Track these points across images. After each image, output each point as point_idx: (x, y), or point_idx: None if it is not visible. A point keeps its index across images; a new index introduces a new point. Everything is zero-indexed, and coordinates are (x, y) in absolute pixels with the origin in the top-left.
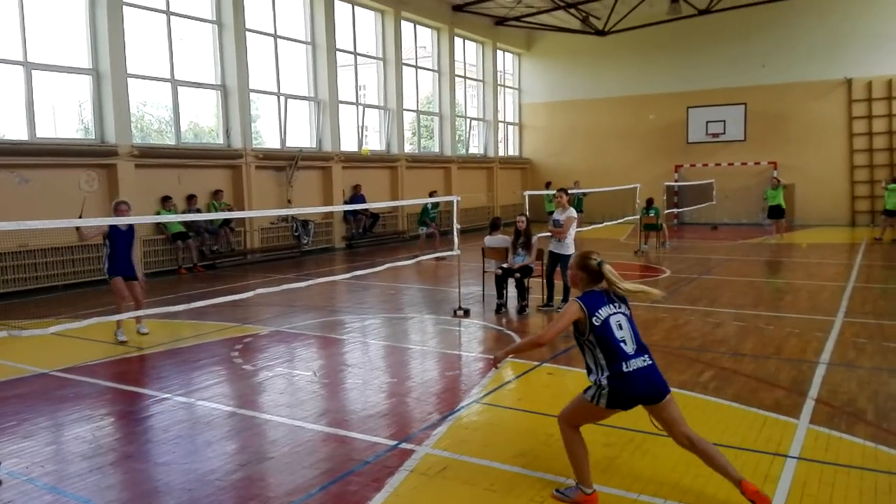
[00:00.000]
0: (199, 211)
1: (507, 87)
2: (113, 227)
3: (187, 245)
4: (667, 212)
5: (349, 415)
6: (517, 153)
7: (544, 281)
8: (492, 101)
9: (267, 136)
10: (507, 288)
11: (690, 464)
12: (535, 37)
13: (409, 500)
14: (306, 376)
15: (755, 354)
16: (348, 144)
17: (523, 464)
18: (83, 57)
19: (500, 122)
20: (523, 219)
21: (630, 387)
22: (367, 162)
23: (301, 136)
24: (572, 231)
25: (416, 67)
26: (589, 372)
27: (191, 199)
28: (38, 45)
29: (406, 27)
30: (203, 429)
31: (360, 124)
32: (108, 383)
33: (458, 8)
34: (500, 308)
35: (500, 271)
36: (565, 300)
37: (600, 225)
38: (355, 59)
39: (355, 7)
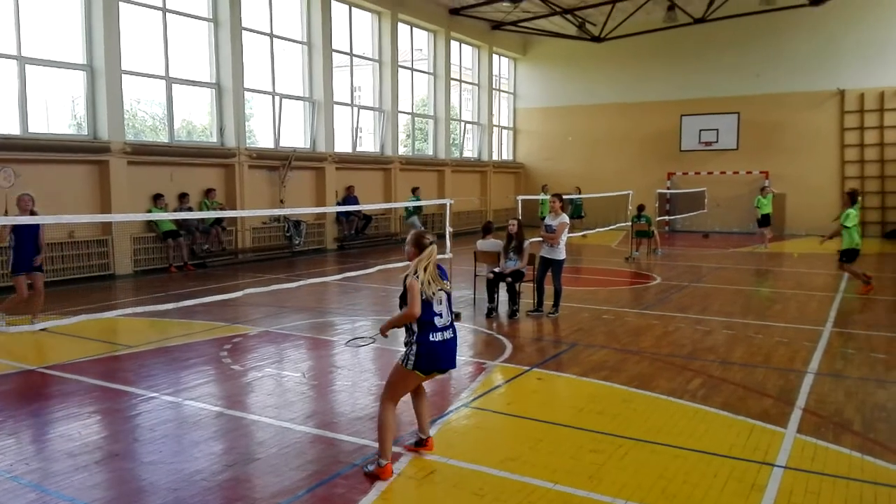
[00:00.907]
0: (190, 209)
1: (503, 91)
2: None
3: (178, 243)
4: (658, 219)
5: (337, 417)
6: (511, 157)
7: (535, 286)
8: (487, 105)
9: (261, 136)
10: (498, 292)
11: (678, 471)
12: (531, 42)
13: None
14: (295, 377)
15: (744, 363)
16: (342, 145)
17: (511, 468)
18: (77, 52)
19: (495, 126)
20: (515, 223)
21: (435, 354)
22: (361, 163)
23: (295, 136)
24: (564, 237)
25: (412, 70)
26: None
27: (183, 197)
28: (33, 40)
29: (402, 29)
30: (190, 428)
31: (355, 125)
32: (95, 381)
33: (454, 11)
34: (491, 312)
35: (491, 275)
36: (556, 305)
37: (591, 231)
38: (351, 60)
39: (352, 8)
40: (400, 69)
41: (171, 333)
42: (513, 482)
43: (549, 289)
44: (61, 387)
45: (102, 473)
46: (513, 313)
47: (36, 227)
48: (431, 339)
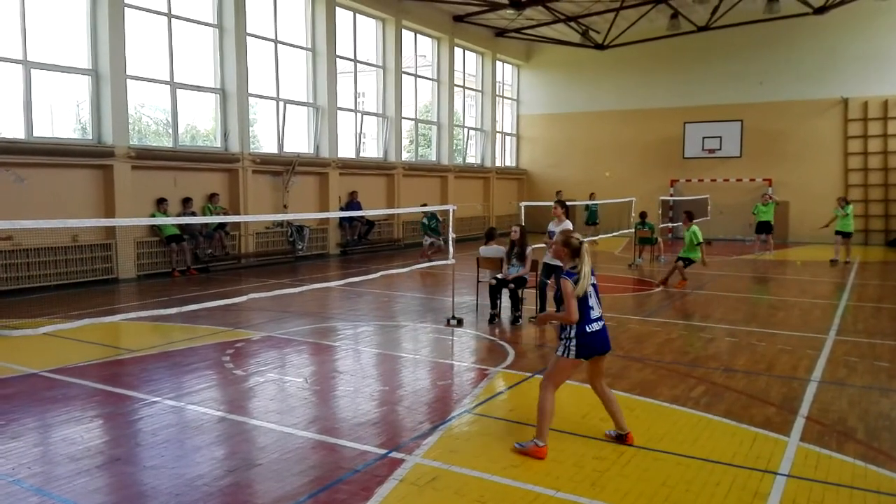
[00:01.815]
0: (194, 214)
1: (506, 97)
2: None
3: (181, 248)
4: (661, 226)
5: (339, 422)
6: (514, 164)
7: (537, 292)
8: (490, 112)
9: (265, 141)
10: (500, 298)
11: (681, 478)
12: (534, 49)
13: None
14: (297, 383)
15: (747, 371)
16: (346, 151)
17: (514, 475)
18: (83, 57)
19: (498, 132)
20: (518, 229)
21: (592, 344)
22: (364, 169)
23: (299, 142)
24: None
25: (416, 76)
26: (561, 329)
27: (186, 201)
28: (38, 45)
29: (407, 36)
30: (192, 433)
31: (358, 131)
32: (97, 385)
33: (458, 18)
34: (494, 318)
35: (494, 281)
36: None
37: (596, 238)
38: (355, 66)
39: (357, 15)
40: (404, 75)
41: (173, 338)
42: (515, 489)
43: (551, 295)
44: (64, 390)
45: (104, 478)
46: (515, 319)
47: None
48: (588, 330)
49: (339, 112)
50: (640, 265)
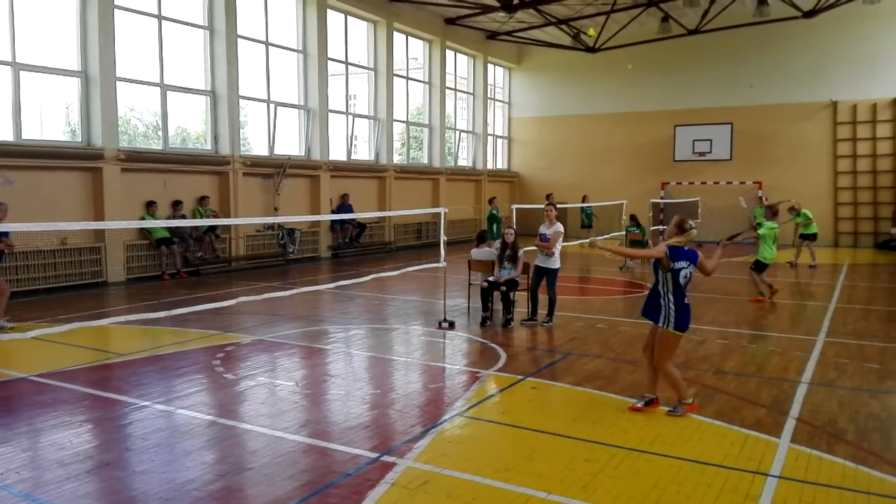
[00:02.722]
0: (184, 217)
1: (497, 100)
2: None
3: (171, 251)
4: (652, 228)
5: (330, 426)
6: (506, 167)
7: (529, 295)
8: (481, 114)
9: (255, 143)
10: (492, 301)
11: (672, 480)
12: (526, 51)
13: None
14: (288, 386)
15: (737, 372)
16: (337, 153)
17: (506, 478)
18: (72, 59)
19: (490, 135)
20: (511, 232)
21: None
22: (355, 172)
23: (290, 144)
24: (559, 246)
25: (407, 78)
26: (658, 296)
27: (176, 204)
28: (27, 46)
29: (398, 38)
30: (182, 438)
31: (350, 134)
32: (87, 389)
33: (450, 21)
34: (486, 321)
35: (486, 284)
36: (550, 314)
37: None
38: (346, 68)
39: (348, 17)
40: (395, 78)
41: (163, 342)
42: (507, 492)
43: (543, 298)
44: (52, 395)
45: (94, 483)
46: (507, 322)
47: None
48: (686, 301)
49: (330, 114)
50: (632, 267)
